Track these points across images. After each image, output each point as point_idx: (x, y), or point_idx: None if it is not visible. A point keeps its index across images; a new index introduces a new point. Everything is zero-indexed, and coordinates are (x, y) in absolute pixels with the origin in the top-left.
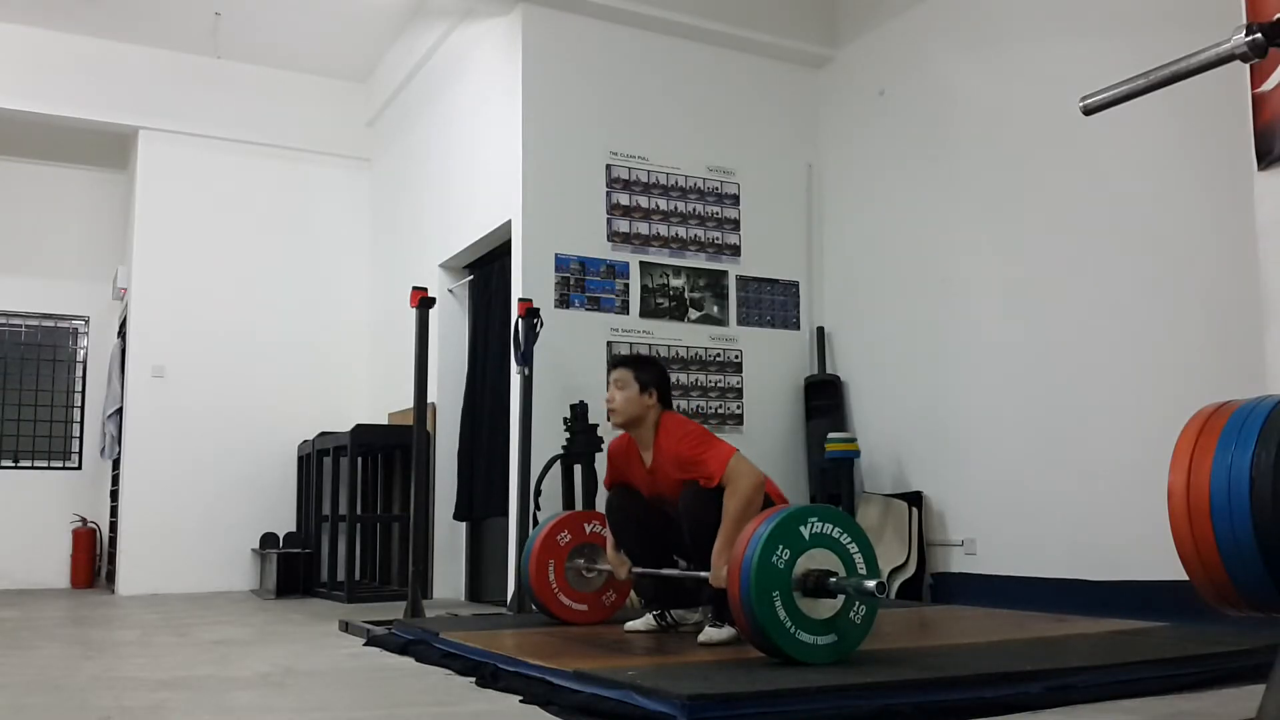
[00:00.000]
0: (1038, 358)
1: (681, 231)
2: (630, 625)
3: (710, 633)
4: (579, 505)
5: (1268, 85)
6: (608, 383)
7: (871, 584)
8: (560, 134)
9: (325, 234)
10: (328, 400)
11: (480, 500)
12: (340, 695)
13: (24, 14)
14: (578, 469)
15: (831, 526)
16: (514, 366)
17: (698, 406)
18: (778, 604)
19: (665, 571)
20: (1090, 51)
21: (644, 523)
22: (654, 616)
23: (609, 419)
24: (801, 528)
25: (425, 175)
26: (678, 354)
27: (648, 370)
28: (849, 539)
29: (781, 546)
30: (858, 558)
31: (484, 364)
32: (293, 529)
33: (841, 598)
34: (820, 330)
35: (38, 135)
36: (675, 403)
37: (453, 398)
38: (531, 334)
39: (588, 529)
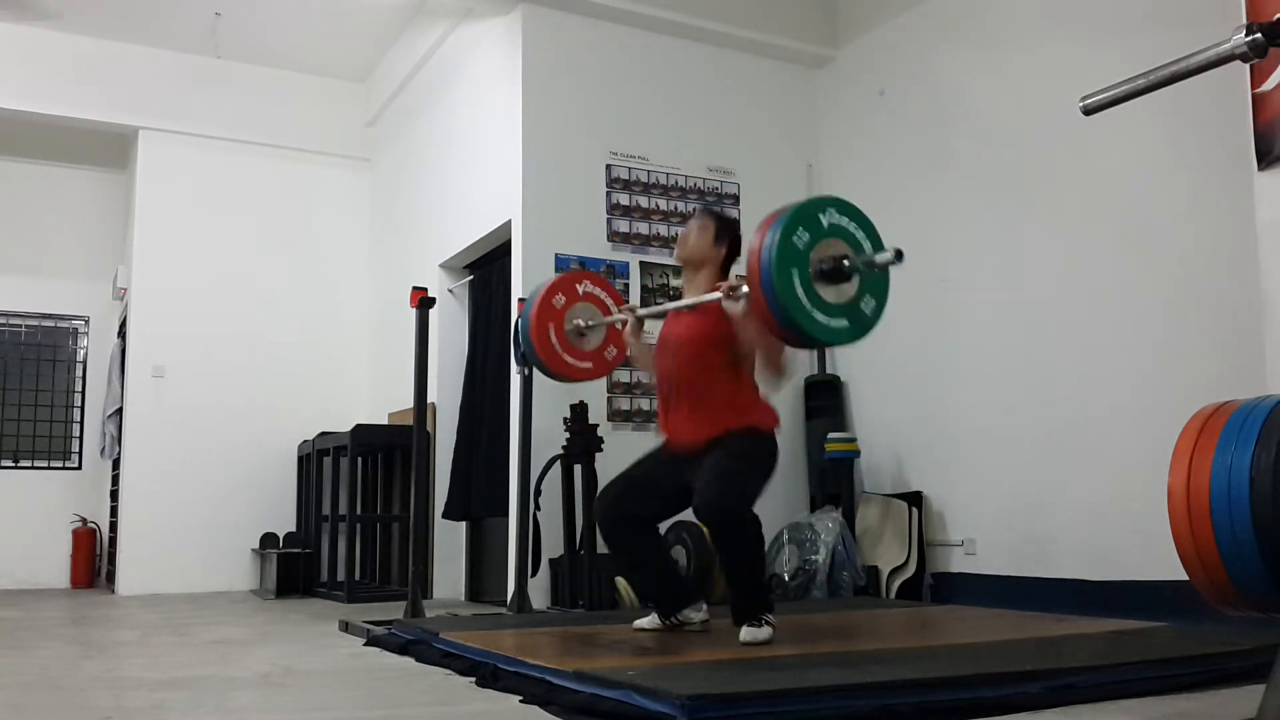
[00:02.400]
0: (1038, 358)
1: (681, 231)
2: (637, 624)
3: (751, 632)
4: (579, 505)
5: (1268, 85)
6: (689, 225)
7: (887, 254)
8: (560, 134)
9: (325, 234)
10: (328, 400)
11: (478, 500)
12: (340, 695)
13: (24, 14)
14: (578, 469)
15: (847, 220)
16: (514, 366)
17: None
18: (796, 282)
19: (668, 306)
20: (1090, 51)
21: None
22: (658, 615)
23: (675, 252)
24: (821, 215)
25: (425, 175)
26: None
27: (729, 228)
28: (863, 235)
29: (801, 229)
30: (867, 246)
31: (484, 364)
32: (293, 529)
33: (855, 283)
34: None
35: (38, 135)
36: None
37: (453, 398)
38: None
39: (580, 289)
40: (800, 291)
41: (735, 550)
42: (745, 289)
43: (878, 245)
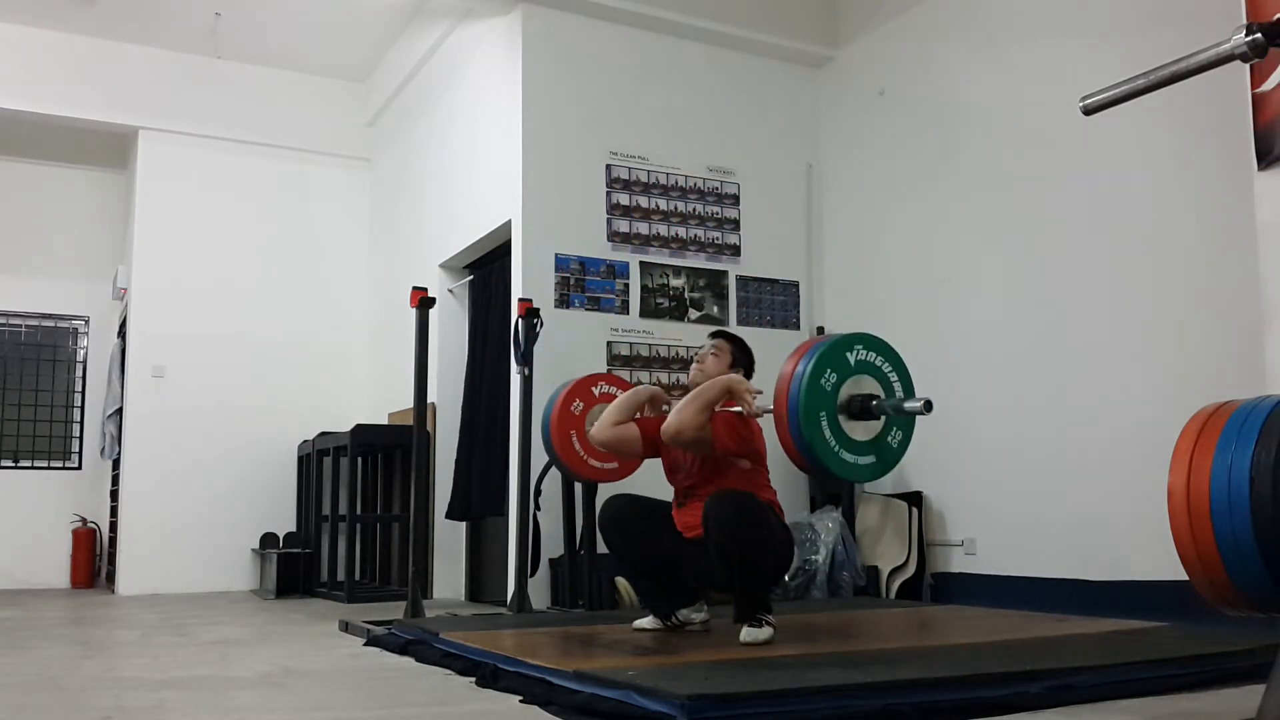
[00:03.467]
0: (1037, 357)
1: (681, 231)
2: (637, 624)
3: (752, 632)
4: (579, 506)
5: (1267, 85)
6: (704, 348)
7: (916, 403)
8: (560, 134)
9: (325, 234)
10: (328, 400)
11: (478, 500)
12: (340, 695)
13: (24, 14)
14: None
15: (875, 355)
16: (514, 366)
17: None
18: (824, 424)
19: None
20: (1090, 51)
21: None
22: (658, 616)
23: (691, 376)
24: (848, 354)
25: (425, 175)
26: (678, 354)
27: (744, 353)
28: (889, 368)
29: (830, 370)
30: (897, 385)
31: (484, 364)
32: (293, 529)
33: (881, 421)
34: (820, 330)
35: (38, 135)
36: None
37: (452, 398)
38: (531, 334)
39: (597, 392)
40: (828, 434)
41: (752, 541)
42: (755, 409)
43: (906, 380)
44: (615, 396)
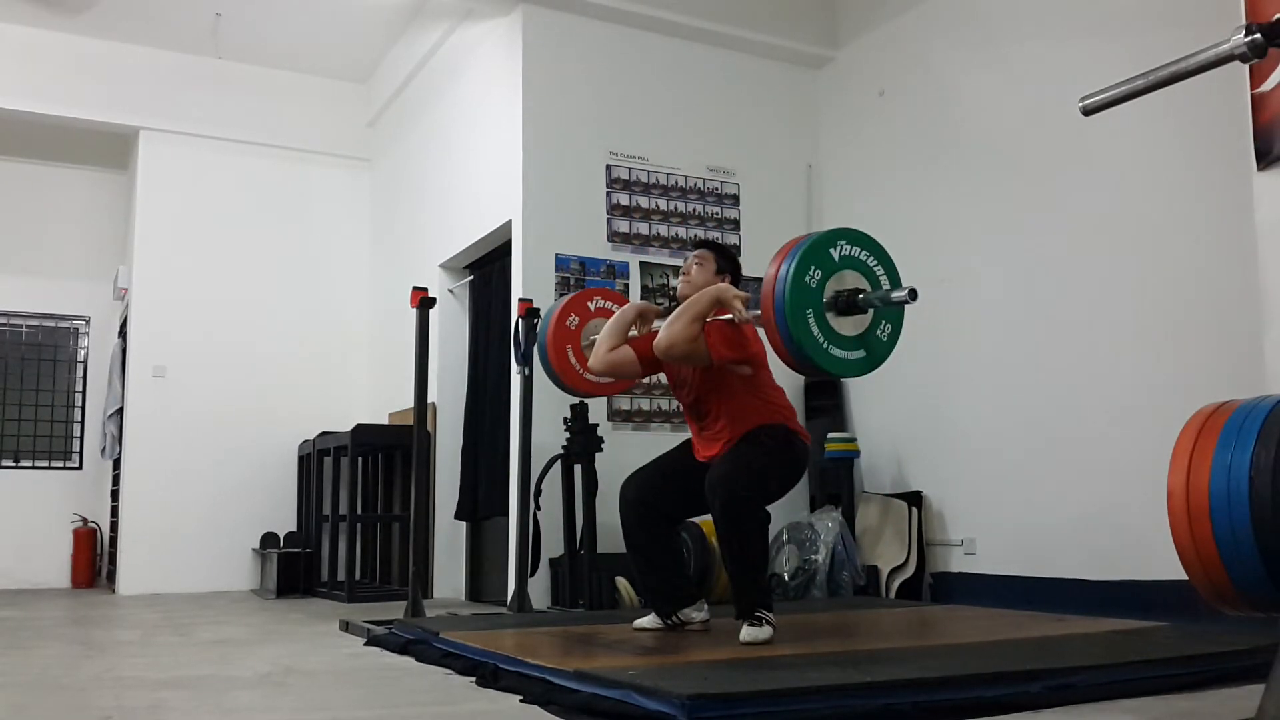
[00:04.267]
0: (1038, 358)
1: (681, 232)
2: (638, 624)
3: (752, 631)
4: (579, 505)
5: (1267, 85)
6: (688, 259)
7: (902, 293)
8: (560, 134)
9: (325, 234)
10: (328, 400)
11: (484, 500)
12: (340, 695)
13: (24, 14)
14: (578, 469)
15: (858, 249)
16: (514, 367)
17: None
18: (811, 322)
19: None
20: (1090, 51)
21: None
22: (659, 614)
23: (679, 289)
24: (831, 250)
25: (425, 175)
26: None
27: (728, 259)
28: (874, 261)
29: (813, 267)
30: (883, 278)
31: (485, 364)
32: (293, 529)
33: (870, 314)
34: None
35: (38, 135)
36: (668, 398)
37: (453, 398)
38: (532, 334)
39: (592, 306)
40: (816, 330)
41: (737, 537)
42: (745, 314)
43: (892, 273)
44: (610, 311)
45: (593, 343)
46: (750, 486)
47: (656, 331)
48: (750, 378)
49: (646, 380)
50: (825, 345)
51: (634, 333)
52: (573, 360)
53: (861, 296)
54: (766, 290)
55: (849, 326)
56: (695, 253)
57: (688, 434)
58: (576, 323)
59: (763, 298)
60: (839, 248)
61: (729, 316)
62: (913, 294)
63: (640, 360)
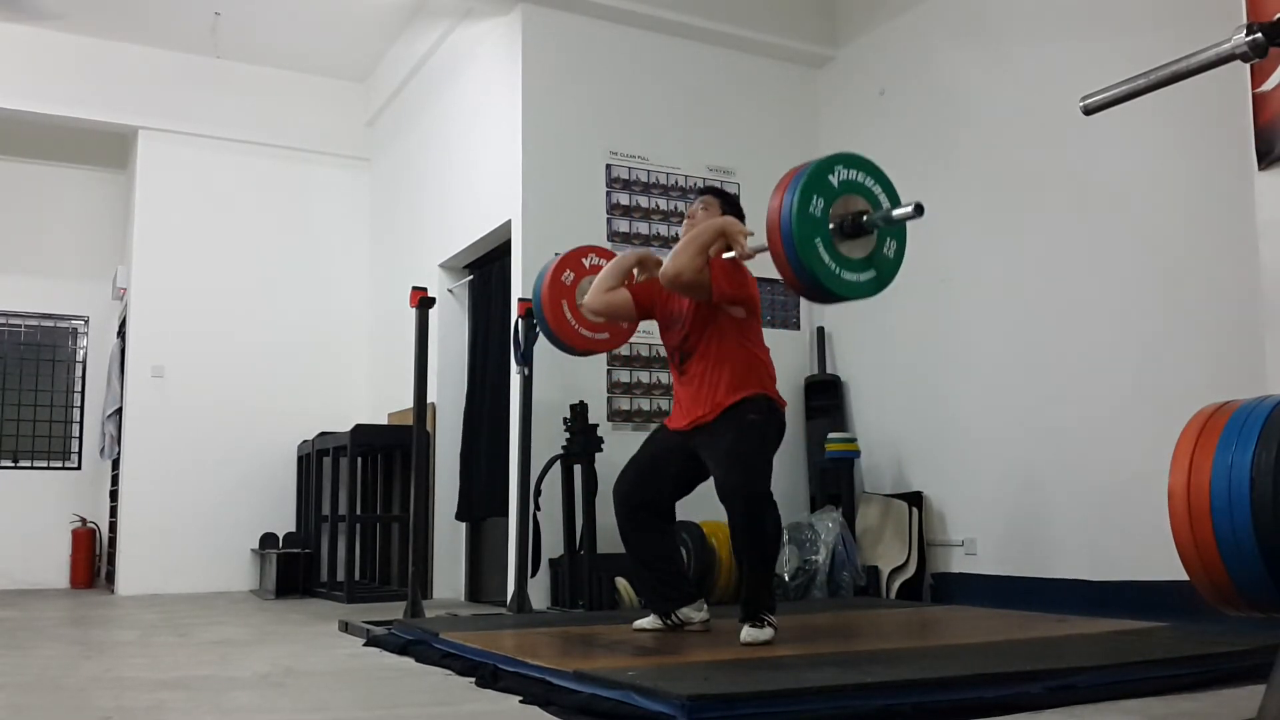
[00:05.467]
0: (1038, 358)
1: (681, 232)
2: (638, 624)
3: (753, 632)
4: (579, 505)
5: (1268, 85)
6: (694, 203)
7: (906, 209)
8: (560, 134)
9: (325, 234)
10: (327, 400)
11: (482, 500)
12: (340, 695)
13: (24, 14)
14: (578, 469)
15: (856, 172)
16: (514, 366)
17: None
18: (821, 249)
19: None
20: (1090, 51)
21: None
22: (658, 615)
23: (683, 232)
24: (830, 177)
25: (425, 175)
26: None
27: (733, 205)
28: (873, 181)
29: (816, 196)
30: (883, 197)
31: (484, 364)
32: (292, 529)
33: (875, 235)
34: (820, 330)
35: (37, 135)
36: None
37: (452, 398)
38: (531, 334)
39: (587, 263)
40: (826, 258)
41: (756, 538)
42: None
43: (891, 192)
44: (603, 267)
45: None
46: (760, 484)
47: (654, 280)
48: (742, 323)
49: (647, 380)
50: (837, 271)
51: (632, 281)
52: (568, 316)
53: (866, 218)
54: (772, 223)
55: (857, 249)
56: (700, 198)
57: None
58: (572, 278)
59: (769, 231)
60: (837, 173)
61: (732, 254)
62: (919, 208)
63: (636, 304)
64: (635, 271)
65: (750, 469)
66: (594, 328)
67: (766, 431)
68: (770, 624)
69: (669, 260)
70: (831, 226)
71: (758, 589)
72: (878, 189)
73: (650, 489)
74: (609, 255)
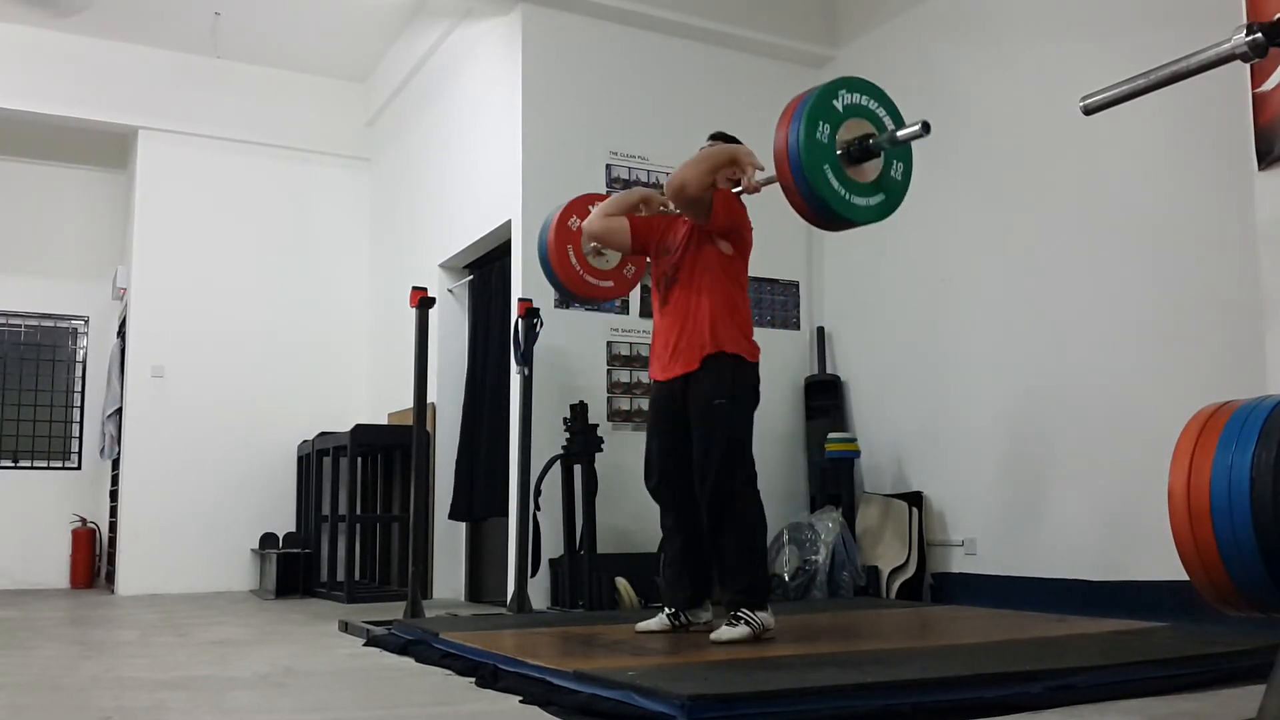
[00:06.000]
0: (1038, 357)
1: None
2: (642, 625)
3: (725, 631)
4: (579, 505)
5: (1268, 85)
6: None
7: (912, 129)
8: (560, 133)
9: (325, 234)
10: (327, 400)
11: (480, 500)
12: (340, 695)
13: (24, 14)
14: (578, 469)
15: (860, 96)
16: (514, 366)
17: None
18: (830, 176)
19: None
20: (1091, 51)
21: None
22: (667, 616)
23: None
24: (835, 102)
25: (425, 175)
26: None
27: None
28: (876, 104)
29: (822, 123)
30: (887, 120)
31: (484, 364)
32: (292, 529)
33: (881, 157)
34: (820, 330)
35: (37, 135)
36: None
37: (452, 398)
38: (531, 334)
39: (593, 210)
40: (836, 184)
41: (728, 528)
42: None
43: (894, 113)
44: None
45: (595, 246)
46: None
47: (654, 216)
48: (728, 261)
49: (647, 380)
50: (847, 196)
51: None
52: (573, 260)
53: (873, 141)
54: (780, 154)
55: (865, 173)
56: (710, 143)
57: None
58: (577, 224)
59: (777, 162)
60: (841, 98)
61: (739, 189)
62: (925, 127)
63: (633, 234)
64: (642, 209)
65: (723, 463)
66: (597, 274)
67: (742, 398)
68: (747, 622)
69: (677, 171)
70: (839, 152)
71: (734, 582)
72: (881, 111)
73: (680, 481)
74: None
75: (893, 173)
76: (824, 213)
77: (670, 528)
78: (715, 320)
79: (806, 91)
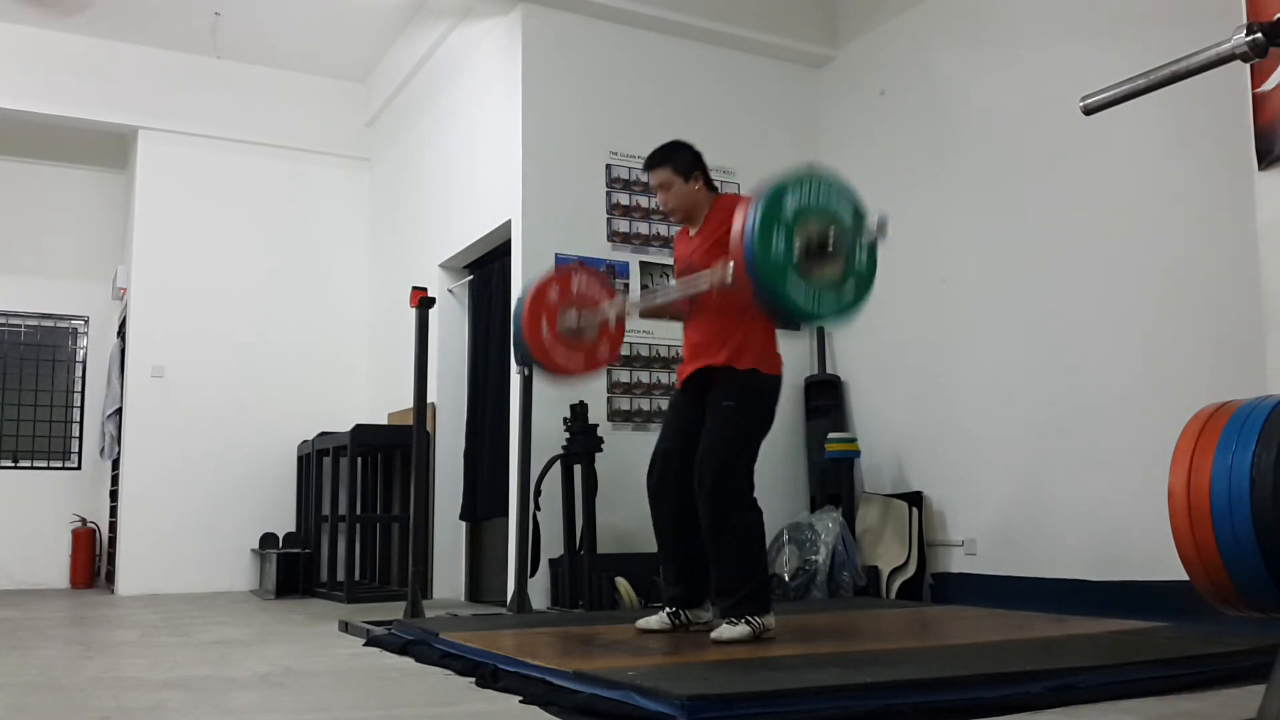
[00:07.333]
0: (1038, 358)
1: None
2: (642, 623)
3: (725, 630)
4: (579, 505)
5: (1268, 85)
6: (650, 182)
7: (871, 232)
8: (560, 133)
9: (325, 234)
10: (327, 400)
11: (484, 501)
12: (340, 695)
13: (24, 14)
14: (578, 469)
15: (808, 191)
16: (514, 367)
17: None
18: (797, 291)
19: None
20: (1091, 51)
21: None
22: (668, 615)
23: (665, 208)
24: (784, 209)
25: (425, 175)
26: (677, 354)
27: (680, 156)
28: (826, 193)
29: (775, 236)
30: (841, 204)
31: (486, 365)
32: (292, 529)
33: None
34: (821, 330)
35: (37, 135)
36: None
37: (452, 398)
38: None
39: (575, 285)
40: (805, 292)
41: (726, 533)
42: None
43: (845, 199)
44: (590, 296)
45: (569, 322)
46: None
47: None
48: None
49: (647, 380)
50: (817, 308)
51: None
52: (545, 334)
53: (831, 244)
54: (740, 277)
55: (830, 269)
56: (651, 177)
57: None
58: (558, 297)
59: (737, 282)
60: (788, 203)
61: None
62: (882, 228)
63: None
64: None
65: (725, 464)
66: (569, 351)
67: (742, 417)
68: (747, 621)
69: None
70: (796, 261)
71: (729, 584)
72: (833, 198)
73: (683, 455)
74: (600, 276)
75: (858, 262)
76: (804, 321)
77: (662, 529)
78: (737, 329)
79: (752, 200)
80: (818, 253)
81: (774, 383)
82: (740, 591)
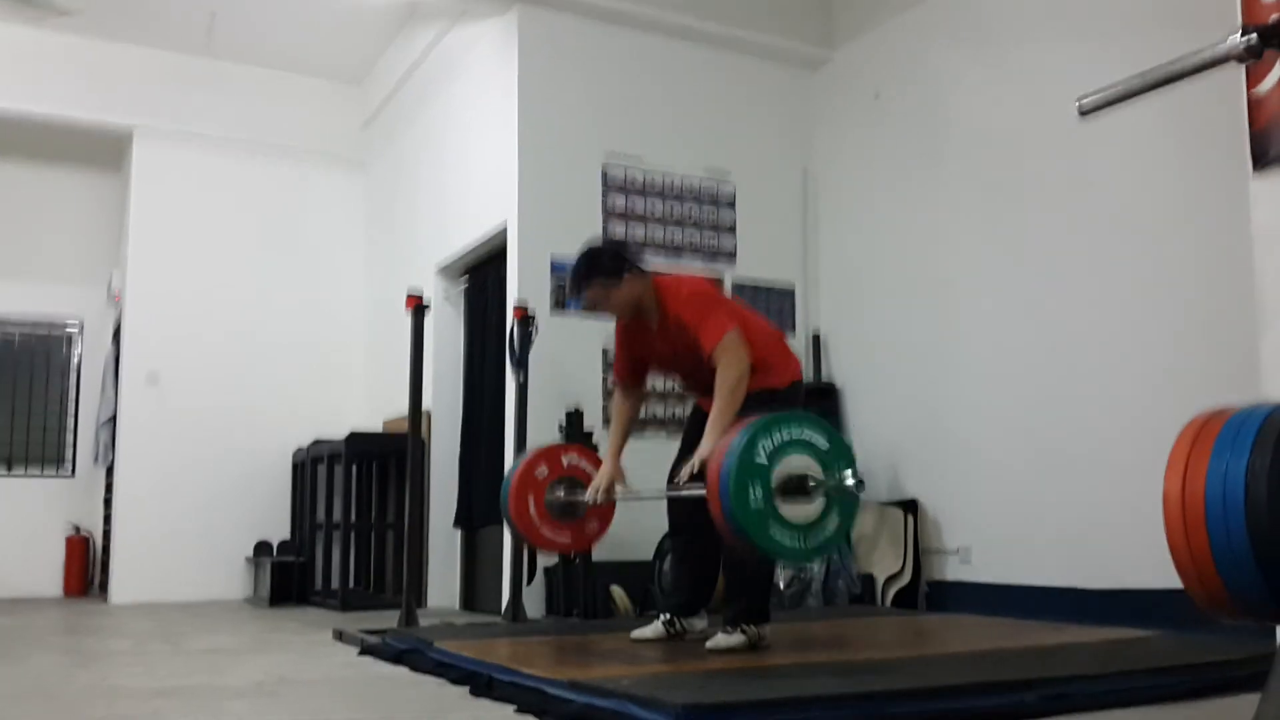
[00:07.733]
0: (1034, 364)
1: (678, 235)
2: (637, 633)
3: (720, 639)
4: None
5: (1264, 87)
6: (584, 300)
7: (850, 483)
8: (556, 136)
9: (320, 237)
10: (322, 407)
11: (478, 508)
12: (334, 704)
13: (17, 13)
14: None
15: (781, 434)
16: (509, 372)
17: None
18: (781, 536)
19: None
20: (1087, 53)
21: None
22: (663, 624)
23: (612, 318)
24: (762, 448)
25: (420, 178)
26: None
27: (601, 264)
28: (799, 430)
29: (752, 486)
30: (817, 440)
31: (482, 370)
32: (287, 537)
33: (822, 496)
34: (816, 336)
35: (31, 136)
36: (670, 405)
37: (448, 404)
38: (526, 340)
39: (565, 462)
40: (789, 539)
41: (745, 558)
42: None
43: (819, 433)
44: (583, 468)
45: (559, 502)
46: None
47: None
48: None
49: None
50: (803, 545)
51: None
52: (532, 511)
53: (812, 483)
54: (723, 528)
55: (811, 507)
56: (584, 299)
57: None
58: (545, 474)
59: (712, 511)
60: (776, 436)
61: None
62: (860, 484)
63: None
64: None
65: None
66: (556, 528)
67: None
68: (743, 630)
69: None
70: (778, 501)
71: (736, 596)
72: (807, 434)
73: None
74: (592, 456)
75: (834, 502)
76: (791, 560)
77: (677, 537)
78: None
79: (726, 456)
80: (798, 496)
81: (790, 392)
82: (745, 600)
